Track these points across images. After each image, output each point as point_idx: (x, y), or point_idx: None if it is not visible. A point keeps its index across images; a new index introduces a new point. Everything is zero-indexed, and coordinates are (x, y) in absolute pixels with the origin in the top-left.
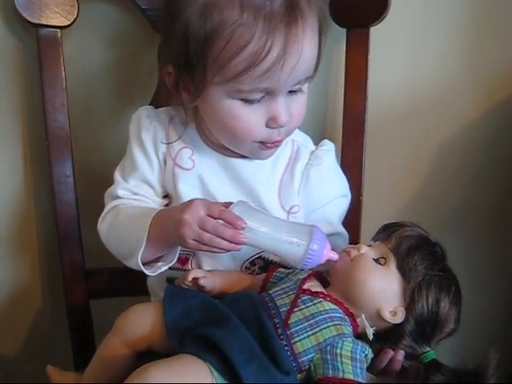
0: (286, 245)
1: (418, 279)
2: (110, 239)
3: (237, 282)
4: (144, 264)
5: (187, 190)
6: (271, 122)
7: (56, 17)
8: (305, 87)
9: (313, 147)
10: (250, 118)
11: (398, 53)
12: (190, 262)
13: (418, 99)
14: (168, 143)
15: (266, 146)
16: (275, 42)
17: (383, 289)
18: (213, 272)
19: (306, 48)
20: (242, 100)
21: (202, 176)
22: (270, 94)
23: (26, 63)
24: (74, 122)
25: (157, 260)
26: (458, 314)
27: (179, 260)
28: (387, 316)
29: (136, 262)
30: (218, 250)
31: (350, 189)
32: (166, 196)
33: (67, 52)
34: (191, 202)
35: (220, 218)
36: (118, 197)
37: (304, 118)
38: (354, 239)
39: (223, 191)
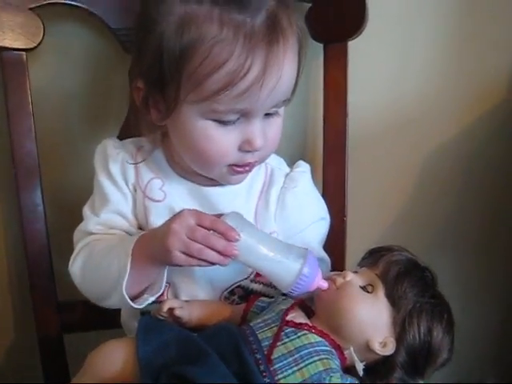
0: (278, 265)
1: (408, 307)
2: (85, 279)
3: (215, 313)
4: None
5: (159, 223)
6: (246, 146)
7: (20, 39)
8: (281, 110)
9: (287, 169)
10: (223, 140)
11: (379, 67)
12: (165, 293)
13: (402, 113)
14: (135, 163)
15: (236, 171)
16: (255, 60)
17: (372, 318)
18: (190, 302)
19: (287, 69)
20: (217, 121)
21: (174, 208)
22: (245, 115)
23: None
24: (42, 147)
25: (141, 294)
26: (451, 342)
27: None
28: (377, 347)
29: (120, 294)
30: (207, 264)
31: (333, 209)
32: (141, 229)
33: (34, 75)
34: (180, 211)
35: (211, 228)
36: (90, 233)
37: (283, 137)
38: (339, 264)
39: None
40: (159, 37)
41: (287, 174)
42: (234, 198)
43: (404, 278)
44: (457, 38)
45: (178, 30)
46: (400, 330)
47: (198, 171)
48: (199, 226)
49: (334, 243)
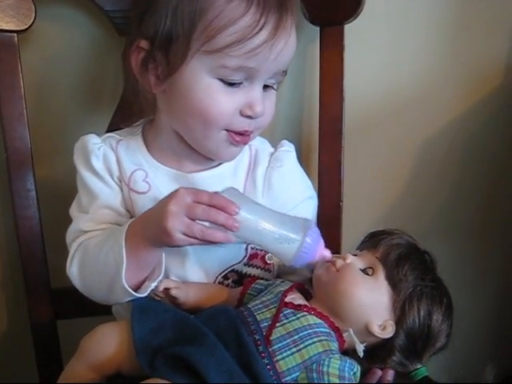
0: (279, 238)
1: (408, 290)
2: (84, 280)
3: (212, 295)
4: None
5: None
6: (247, 110)
7: (12, 21)
8: (276, 87)
9: (271, 149)
10: (226, 100)
11: (375, 50)
12: None
13: (398, 98)
14: (115, 136)
15: (234, 139)
16: (268, 20)
17: (372, 301)
18: (186, 283)
19: (292, 38)
20: (222, 81)
21: (160, 198)
22: (249, 79)
23: None
24: (35, 132)
25: (142, 283)
26: (450, 327)
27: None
28: (376, 330)
29: (122, 288)
30: (210, 244)
31: (329, 194)
32: None
33: (27, 59)
34: (175, 191)
35: (210, 204)
36: (82, 231)
37: (279, 121)
38: (335, 248)
39: None
40: None
41: (272, 154)
42: (220, 182)
43: (405, 261)
44: (453, 21)
45: None
46: (400, 312)
47: (193, 142)
48: (197, 203)
49: (330, 228)
